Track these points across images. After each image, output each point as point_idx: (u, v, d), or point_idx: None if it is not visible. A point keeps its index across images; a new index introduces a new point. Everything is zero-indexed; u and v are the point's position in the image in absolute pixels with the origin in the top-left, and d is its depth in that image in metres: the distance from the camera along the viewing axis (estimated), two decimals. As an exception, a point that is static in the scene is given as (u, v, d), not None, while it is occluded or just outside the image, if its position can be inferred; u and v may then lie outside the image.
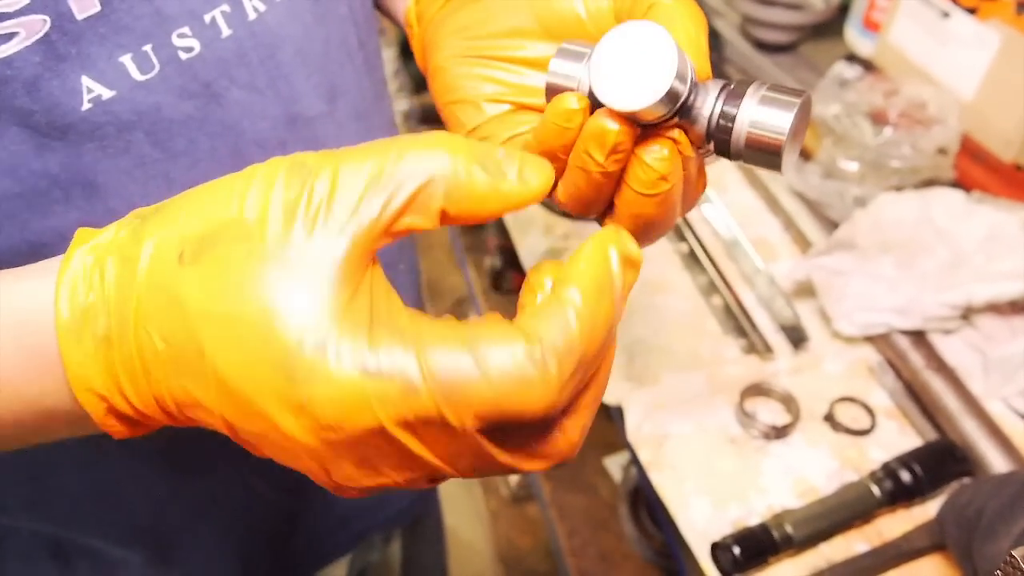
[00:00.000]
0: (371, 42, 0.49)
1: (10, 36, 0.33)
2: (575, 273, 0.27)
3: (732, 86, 0.31)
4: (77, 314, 0.27)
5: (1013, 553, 0.30)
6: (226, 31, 0.39)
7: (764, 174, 0.80)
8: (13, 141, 0.35)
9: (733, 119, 0.30)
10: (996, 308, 0.64)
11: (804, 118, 0.31)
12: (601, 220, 0.35)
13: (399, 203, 0.27)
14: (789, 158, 0.30)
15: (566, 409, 0.28)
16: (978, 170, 0.76)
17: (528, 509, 1.54)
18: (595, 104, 0.31)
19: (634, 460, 0.62)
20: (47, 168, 0.36)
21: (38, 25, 0.33)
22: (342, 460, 0.27)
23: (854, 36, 1.00)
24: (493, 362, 0.25)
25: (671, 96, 0.29)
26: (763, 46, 0.97)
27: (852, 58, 0.96)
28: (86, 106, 0.36)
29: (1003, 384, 0.63)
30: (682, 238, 0.76)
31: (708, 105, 0.30)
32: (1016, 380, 0.63)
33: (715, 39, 1.01)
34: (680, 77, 0.29)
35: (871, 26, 0.97)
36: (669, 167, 0.30)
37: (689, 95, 0.30)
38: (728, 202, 0.80)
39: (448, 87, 0.38)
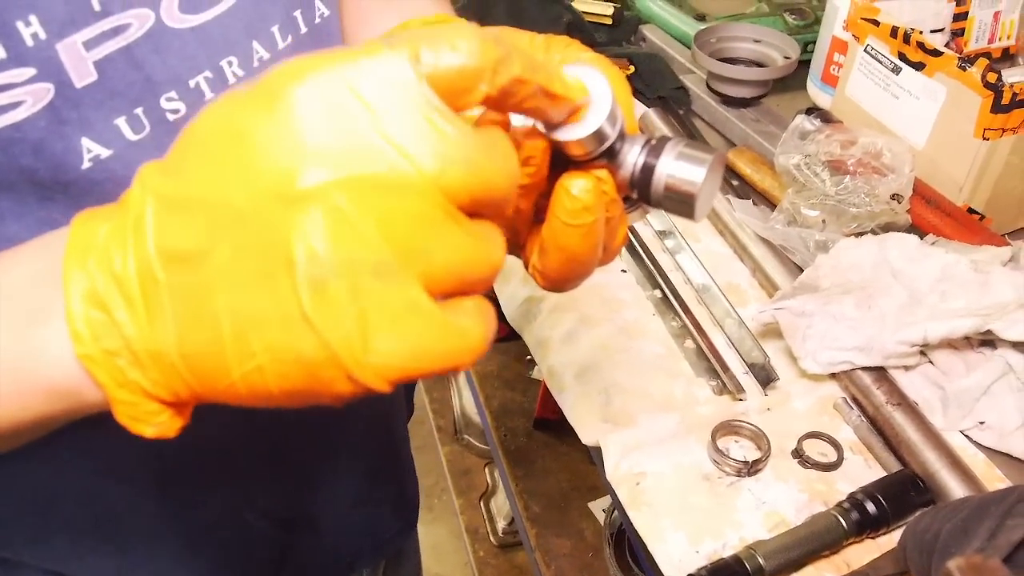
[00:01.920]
0: None
1: (18, 104, 0.37)
2: None
3: (654, 141, 0.35)
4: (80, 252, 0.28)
5: (948, 566, 0.33)
6: (209, 94, 0.43)
7: (732, 223, 0.84)
8: (20, 193, 0.39)
9: (653, 169, 0.34)
10: (951, 344, 0.68)
11: (716, 173, 0.35)
12: (526, 264, 0.38)
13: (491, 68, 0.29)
14: (702, 207, 0.35)
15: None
16: (932, 214, 0.80)
17: (516, 557, 1.55)
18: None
19: (613, 498, 0.64)
20: (51, 215, 0.40)
21: (43, 93, 0.37)
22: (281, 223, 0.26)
23: (814, 90, 1.06)
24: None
25: (599, 135, 0.33)
26: (727, 100, 1.01)
27: (813, 110, 1.01)
28: (86, 164, 0.40)
29: (961, 417, 0.66)
30: (656, 285, 0.80)
31: (632, 155, 0.35)
32: (973, 413, 0.66)
33: (683, 94, 1.06)
34: (611, 120, 0.33)
35: (829, 80, 1.02)
36: (592, 199, 0.33)
37: (616, 141, 0.34)
38: (699, 250, 0.84)
39: None
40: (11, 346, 0.29)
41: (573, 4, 1.13)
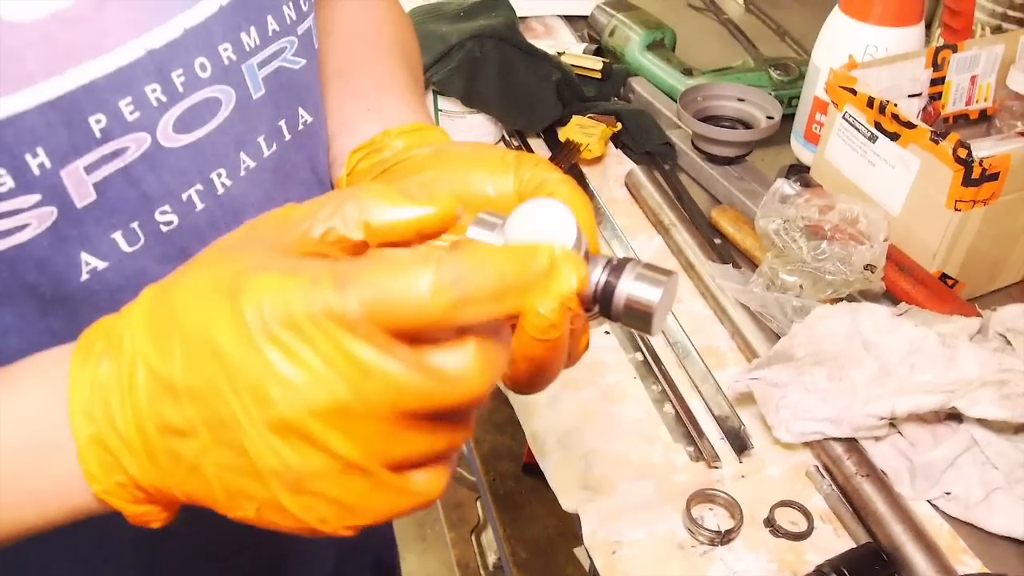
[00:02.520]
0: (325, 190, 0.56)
1: (24, 226, 0.39)
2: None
3: (615, 262, 0.38)
4: (85, 356, 0.32)
5: None
6: (200, 205, 0.45)
7: (712, 286, 0.87)
8: (22, 308, 0.41)
9: (614, 289, 0.37)
10: (920, 416, 0.70)
11: (671, 292, 0.38)
12: None
13: (329, 211, 0.33)
14: (658, 323, 0.38)
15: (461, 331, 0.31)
16: (905, 281, 0.83)
17: (506, 591, 1.56)
18: None
19: (592, 566, 0.66)
20: (51, 327, 0.42)
21: (47, 215, 0.39)
22: (262, 376, 0.29)
23: (798, 147, 1.08)
24: (392, 256, 0.30)
25: None
26: (712, 158, 1.04)
27: (795, 168, 1.04)
28: (84, 277, 0.42)
29: (928, 488, 0.68)
30: (637, 348, 0.82)
31: (595, 275, 0.38)
32: (940, 484, 0.68)
33: (670, 150, 1.09)
34: (576, 247, 0.35)
35: (812, 138, 1.05)
36: (558, 318, 0.35)
37: None
38: (681, 311, 0.86)
39: None
40: (30, 474, 0.33)
41: (563, 59, 1.16)
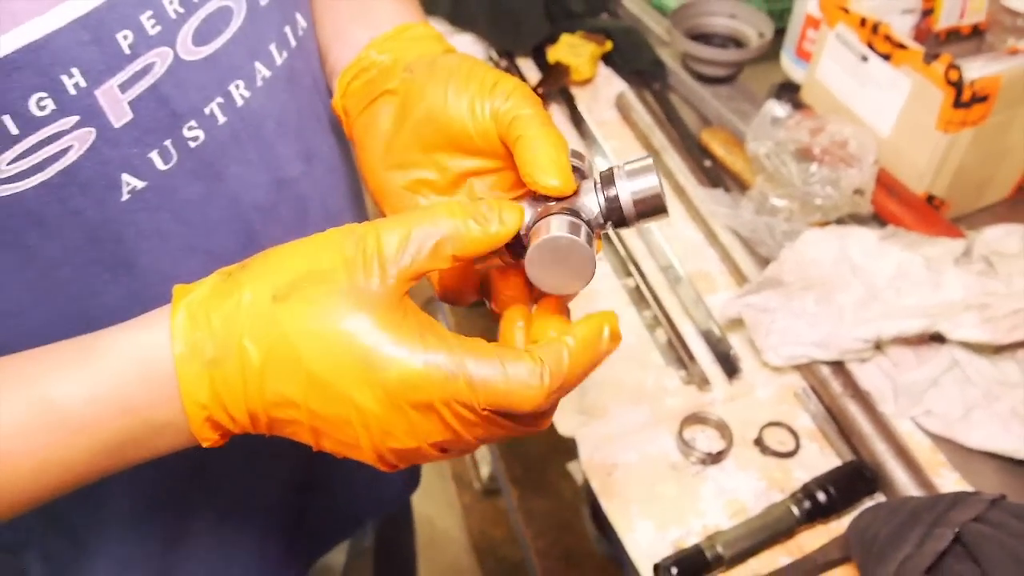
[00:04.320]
0: (326, 99, 0.57)
1: (67, 150, 0.40)
2: (576, 327, 0.39)
3: (599, 179, 0.40)
4: (189, 346, 0.36)
5: None
6: (221, 119, 0.46)
7: (703, 210, 0.87)
8: (70, 238, 0.42)
9: (617, 199, 0.39)
10: (903, 338, 0.72)
11: (657, 171, 0.40)
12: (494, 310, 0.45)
13: (423, 256, 0.37)
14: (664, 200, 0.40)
15: (546, 411, 0.41)
16: (893, 204, 0.84)
17: (499, 502, 1.62)
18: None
19: (587, 486, 0.69)
20: (99, 256, 0.44)
21: (87, 137, 0.41)
22: (396, 428, 0.37)
23: (788, 64, 1.07)
24: (512, 371, 0.36)
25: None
26: (703, 78, 1.03)
27: (786, 86, 1.03)
28: (125, 197, 0.43)
29: (911, 406, 0.71)
30: (628, 274, 0.83)
31: (591, 200, 0.40)
32: (922, 402, 0.71)
33: (660, 68, 1.08)
34: (565, 227, 0.38)
35: (804, 55, 1.04)
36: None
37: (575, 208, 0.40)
38: (672, 236, 0.87)
39: (383, 194, 0.48)
40: (139, 447, 0.39)
41: (552, -27, 1.13)
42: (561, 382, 0.37)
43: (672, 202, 0.92)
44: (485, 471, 1.66)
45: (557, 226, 0.38)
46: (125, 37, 0.40)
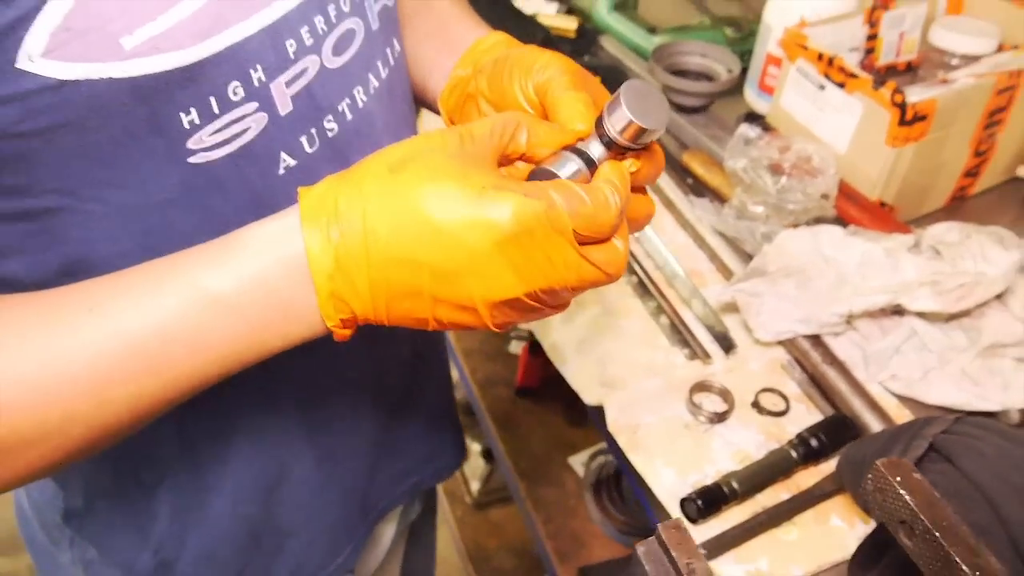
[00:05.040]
0: (413, 111, 0.69)
1: (247, 130, 0.50)
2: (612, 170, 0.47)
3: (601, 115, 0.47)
4: (315, 223, 0.42)
5: (875, 463, 0.50)
6: (349, 116, 0.57)
7: (692, 218, 1.01)
8: (238, 202, 0.52)
9: (611, 139, 0.47)
10: (870, 314, 0.86)
11: (643, 89, 0.46)
12: None
13: (506, 138, 0.46)
14: (662, 111, 0.46)
15: (618, 234, 0.46)
16: (853, 208, 0.99)
17: (491, 514, 1.71)
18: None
19: (613, 446, 0.81)
20: (257, 217, 0.48)
21: (261, 120, 0.51)
22: (505, 270, 0.42)
23: (752, 97, 1.23)
24: (591, 196, 0.44)
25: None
26: (680, 108, 1.18)
27: (752, 115, 1.19)
28: (281, 171, 0.53)
29: (879, 371, 0.84)
30: (632, 272, 0.96)
31: (595, 150, 0.48)
32: (887, 367, 0.85)
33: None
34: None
35: (765, 89, 1.19)
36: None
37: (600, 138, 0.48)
38: (666, 241, 1.00)
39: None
40: (273, 319, 0.45)
41: (540, 19, 1.28)
42: (623, 204, 0.45)
43: (663, 212, 1.05)
44: (475, 486, 1.75)
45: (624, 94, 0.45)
46: (291, 45, 0.50)
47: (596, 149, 0.47)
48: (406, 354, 0.76)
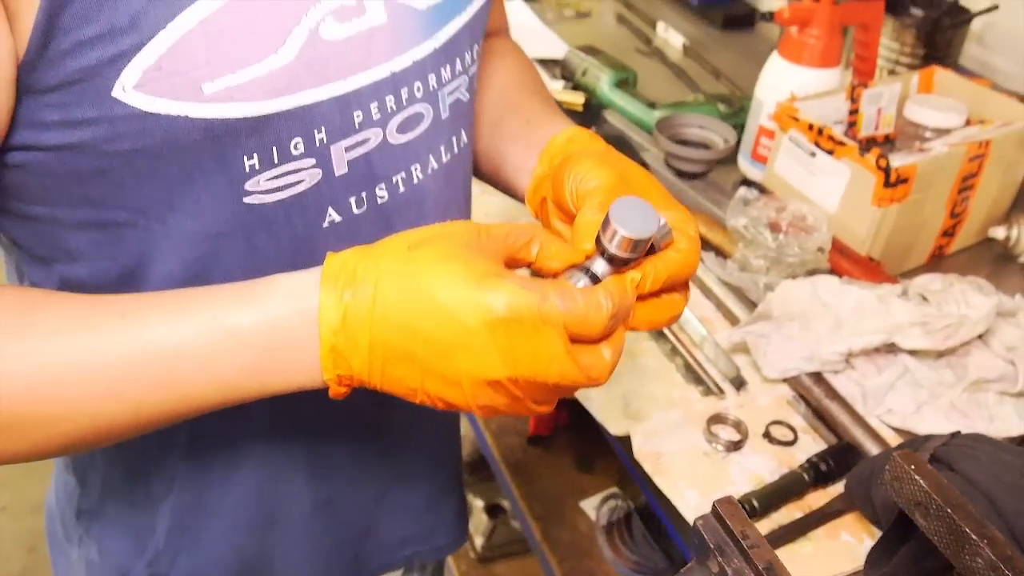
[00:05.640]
0: (469, 197, 0.75)
1: (301, 182, 0.56)
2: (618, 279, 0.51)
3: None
4: (332, 283, 0.47)
5: (894, 455, 0.57)
6: (402, 189, 0.62)
7: (699, 270, 1.10)
8: (281, 246, 0.58)
9: (610, 255, 0.50)
10: (867, 353, 0.95)
11: (629, 208, 0.49)
12: None
13: (518, 245, 0.51)
14: (644, 218, 0.49)
15: (605, 338, 0.49)
16: (845, 261, 1.08)
17: (495, 568, 1.74)
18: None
19: (639, 472, 0.88)
20: (295, 261, 0.55)
21: (316, 176, 0.57)
22: (493, 352, 0.45)
23: (745, 165, 1.34)
24: (584, 298, 0.47)
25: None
26: (681, 174, 1.29)
27: (747, 182, 1.29)
28: (326, 224, 0.59)
29: (876, 406, 0.93)
30: (647, 318, 1.04)
31: (599, 267, 0.51)
32: (884, 402, 0.93)
33: (644, 169, 1.33)
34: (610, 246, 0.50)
35: (758, 158, 1.30)
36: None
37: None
38: (675, 291, 1.09)
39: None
40: (274, 360, 0.48)
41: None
42: (616, 310, 0.47)
43: (671, 267, 1.15)
44: (479, 541, 1.79)
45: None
46: (357, 115, 0.56)
47: (600, 266, 0.51)
48: (414, 416, 0.76)
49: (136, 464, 0.67)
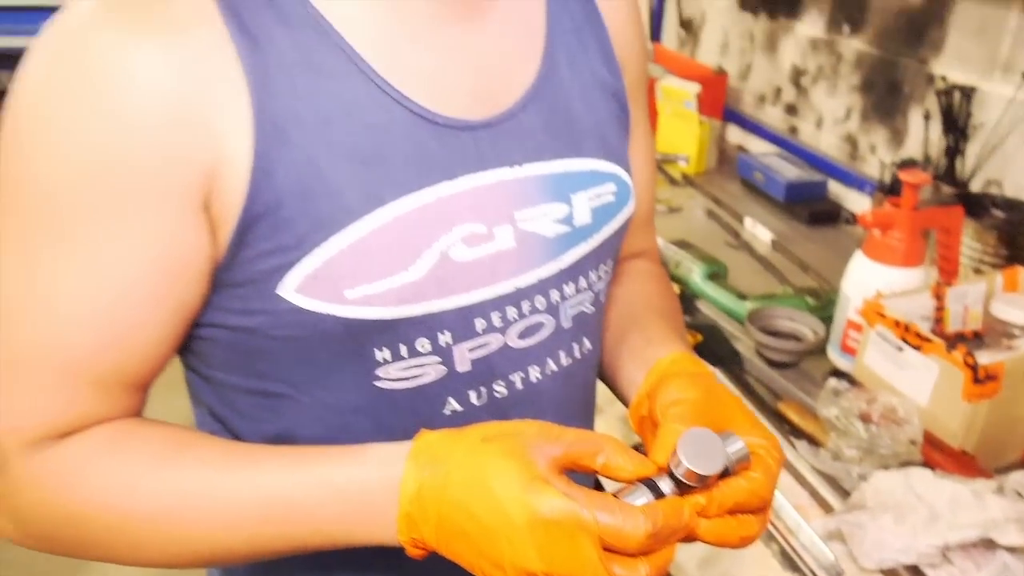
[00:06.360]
0: (592, 400, 0.81)
1: (425, 374, 0.62)
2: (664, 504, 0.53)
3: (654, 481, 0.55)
4: (416, 459, 0.54)
5: None
6: (519, 387, 0.67)
7: (791, 458, 1.14)
8: (405, 427, 0.61)
9: (680, 482, 0.54)
10: (963, 548, 0.96)
11: (699, 441, 0.54)
12: None
13: (582, 455, 0.54)
14: (710, 456, 0.54)
15: (645, 554, 0.52)
16: (937, 455, 1.11)
17: None
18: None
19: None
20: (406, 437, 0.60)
21: (440, 371, 0.64)
22: (532, 547, 0.49)
23: (835, 356, 1.40)
24: (622, 518, 0.50)
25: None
26: (773, 363, 1.35)
27: (837, 372, 1.35)
28: (446, 412, 0.64)
29: (977, 602, 0.93)
30: (742, 502, 1.08)
31: (665, 487, 0.54)
32: (985, 599, 0.93)
33: (737, 357, 1.40)
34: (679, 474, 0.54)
35: (847, 349, 1.36)
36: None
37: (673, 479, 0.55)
38: (769, 477, 1.13)
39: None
40: (358, 519, 0.56)
41: (647, 285, 1.50)
42: (659, 531, 0.50)
43: (764, 453, 1.19)
44: None
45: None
46: (480, 323, 0.63)
47: (667, 484, 0.54)
48: None
49: None
